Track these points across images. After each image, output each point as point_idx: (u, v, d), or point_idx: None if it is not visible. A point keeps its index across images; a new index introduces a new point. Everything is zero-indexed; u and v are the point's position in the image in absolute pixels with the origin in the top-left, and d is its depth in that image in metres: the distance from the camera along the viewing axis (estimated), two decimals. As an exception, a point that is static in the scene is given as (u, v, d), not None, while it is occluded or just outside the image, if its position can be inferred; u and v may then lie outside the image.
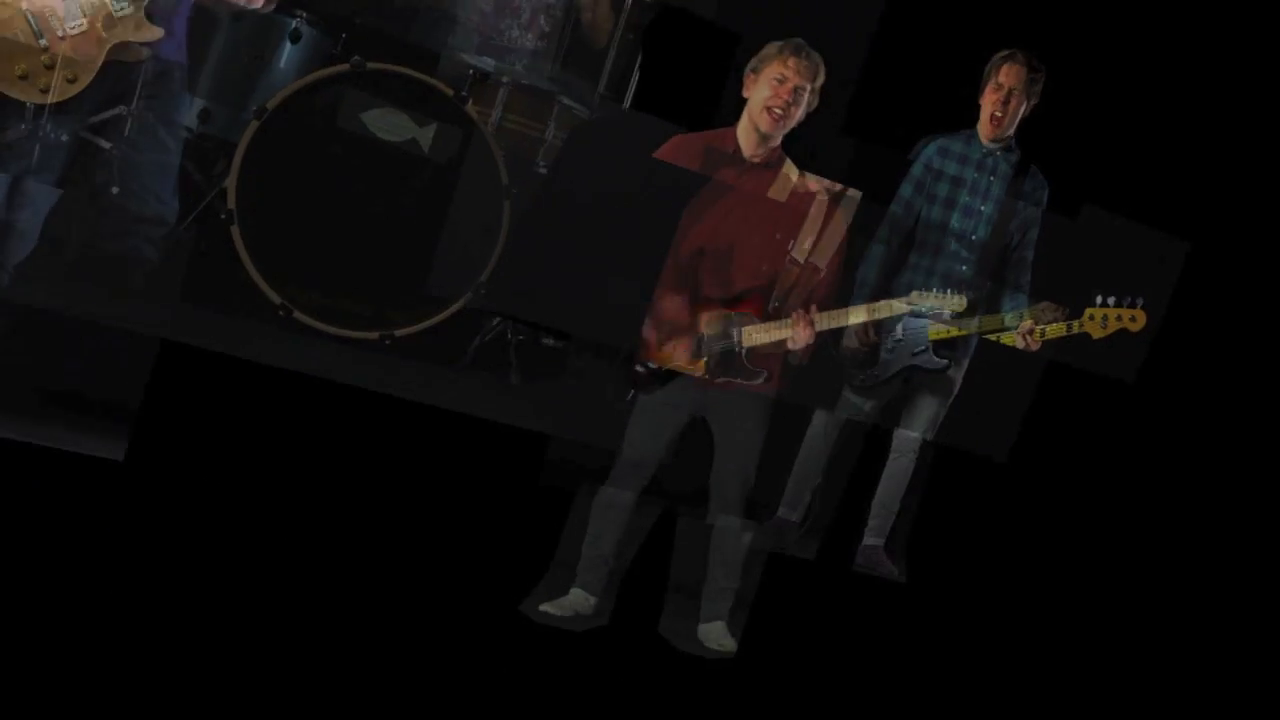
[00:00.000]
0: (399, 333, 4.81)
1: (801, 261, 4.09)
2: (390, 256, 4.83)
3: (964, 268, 4.55)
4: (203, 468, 3.79)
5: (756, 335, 4.09)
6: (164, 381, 3.80)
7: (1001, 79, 4.52)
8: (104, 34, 3.91)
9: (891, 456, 4.71)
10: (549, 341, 5.11)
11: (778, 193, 4.11)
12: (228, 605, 3.53)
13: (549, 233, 4.73)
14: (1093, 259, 4.62)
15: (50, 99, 3.88)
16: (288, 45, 4.96)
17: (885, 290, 4.54)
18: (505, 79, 5.09)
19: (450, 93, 4.81)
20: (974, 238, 4.57)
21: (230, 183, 4.61)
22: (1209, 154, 5.03)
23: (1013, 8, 4.78)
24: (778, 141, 4.14)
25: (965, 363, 4.67)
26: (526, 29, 5.29)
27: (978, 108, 4.60)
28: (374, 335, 4.79)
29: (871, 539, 4.71)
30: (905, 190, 4.60)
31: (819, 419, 4.73)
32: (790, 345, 4.05)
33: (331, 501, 3.86)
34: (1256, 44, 5.01)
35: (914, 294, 4.19)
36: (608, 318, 4.26)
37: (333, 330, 4.74)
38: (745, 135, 4.13)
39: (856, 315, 4.15)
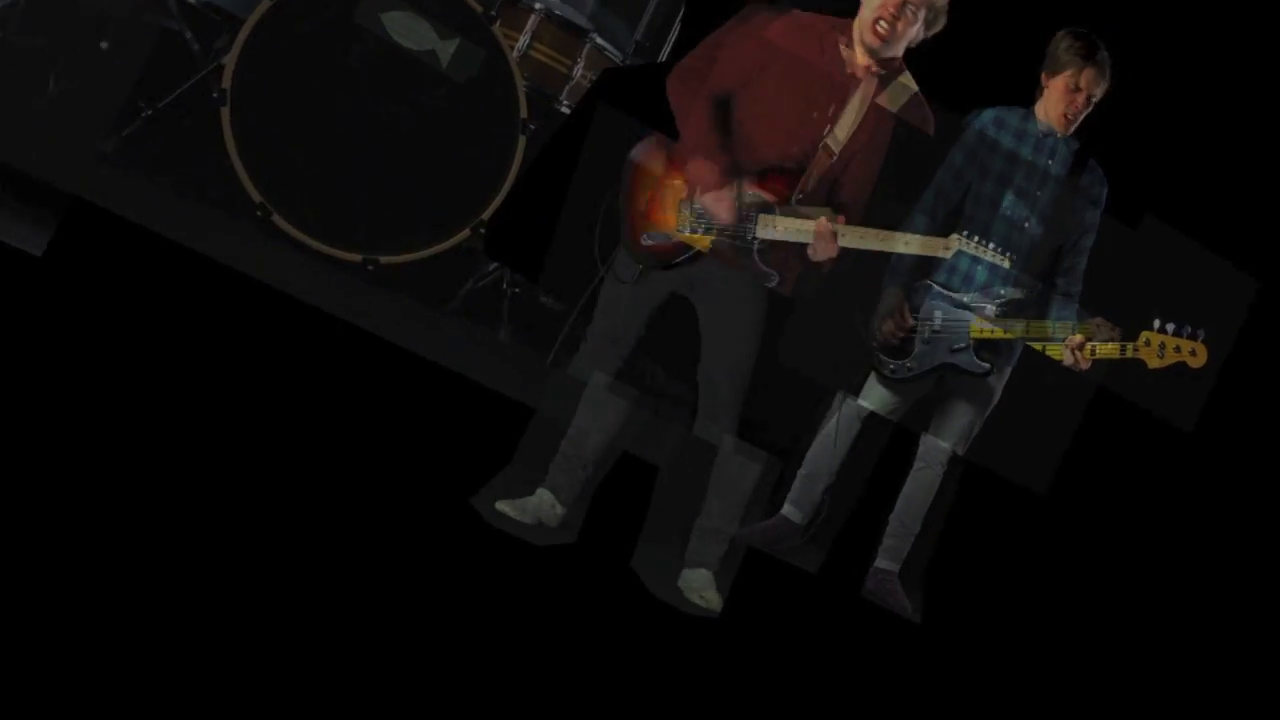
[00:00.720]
0: (384, 259, 4.55)
1: (835, 151, 3.67)
2: (388, 175, 4.57)
3: (1012, 257, 4.11)
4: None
5: (775, 227, 3.63)
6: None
7: (1082, 82, 4.17)
8: None
9: (916, 466, 4.26)
10: (548, 301, 4.80)
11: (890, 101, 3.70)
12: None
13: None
14: (1150, 277, 4.29)
15: None
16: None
17: (924, 271, 4.18)
18: (539, 5, 4.93)
19: (479, 8, 4.61)
20: (1026, 225, 4.17)
21: (229, 60, 4.40)
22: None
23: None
24: (888, 54, 3.71)
25: (1007, 372, 4.26)
26: (573, -43, 5.16)
27: (1035, 85, 4.25)
28: (356, 257, 4.53)
29: (885, 562, 4.25)
30: (956, 157, 4.20)
31: (838, 405, 4.29)
32: (810, 255, 3.63)
33: (266, 414, 3.41)
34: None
35: (956, 236, 3.72)
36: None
37: (312, 243, 4.49)
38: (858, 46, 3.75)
39: (888, 241, 3.69)
